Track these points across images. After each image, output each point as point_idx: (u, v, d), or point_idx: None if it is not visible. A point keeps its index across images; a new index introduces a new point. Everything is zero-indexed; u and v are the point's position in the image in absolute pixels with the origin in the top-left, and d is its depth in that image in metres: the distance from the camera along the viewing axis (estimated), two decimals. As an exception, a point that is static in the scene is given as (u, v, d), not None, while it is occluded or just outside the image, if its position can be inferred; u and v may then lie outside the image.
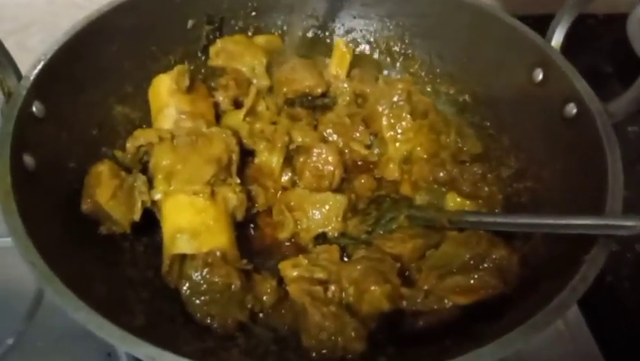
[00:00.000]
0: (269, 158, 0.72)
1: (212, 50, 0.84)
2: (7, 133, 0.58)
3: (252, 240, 0.72)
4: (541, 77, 0.72)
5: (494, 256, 0.61)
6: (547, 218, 0.57)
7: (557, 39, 0.72)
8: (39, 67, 0.65)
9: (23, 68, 0.65)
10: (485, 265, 0.61)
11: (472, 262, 0.61)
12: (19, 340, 0.73)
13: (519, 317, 0.50)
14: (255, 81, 0.81)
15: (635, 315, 0.82)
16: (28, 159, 0.60)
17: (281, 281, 0.64)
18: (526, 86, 0.73)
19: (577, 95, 0.67)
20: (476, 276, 0.60)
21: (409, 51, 0.88)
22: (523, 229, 0.59)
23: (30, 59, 0.65)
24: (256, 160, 0.73)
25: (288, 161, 0.74)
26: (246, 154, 0.75)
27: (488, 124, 0.80)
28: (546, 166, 0.70)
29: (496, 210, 0.69)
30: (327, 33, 0.91)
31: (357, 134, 0.77)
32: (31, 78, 0.63)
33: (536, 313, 0.49)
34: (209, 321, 0.61)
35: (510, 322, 0.50)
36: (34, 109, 0.63)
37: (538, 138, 0.72)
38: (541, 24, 0.75)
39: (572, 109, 0.67)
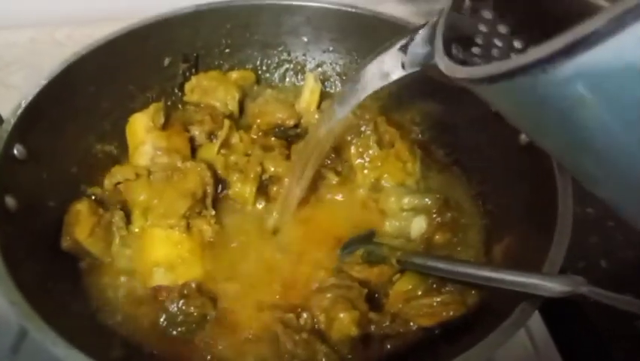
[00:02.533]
0: (242, 188, 0.75)
1: (188, 86, 0.88)
2: (-11, 176, 0.61)
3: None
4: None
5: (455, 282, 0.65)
6: (484, 270, 0.59)
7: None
8: (20, 111, 0.67)
9: (4, 105, 0.68)
10: (447, 288, 0.64)
11: (434, 285, 0.65)
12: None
13: (477, 336, 0.53)
14: (228, 115, 0.85)
15: (601, 330, 0.85)
16: (10, 200, 0.62)
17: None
18: (485, 115, 0.77)
19: (530, 124, 0.70)
20: (439, 299, 0.64)
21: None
22: (459, 277, 0.61)
23: (11, 97, 0.68)
24: (230, 191, 0.75)
25: (262, 190, 0.77)
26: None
27: (449, 151, 0.84)
28: (503, 193, 0.74)
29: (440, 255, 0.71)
30: (298, 67, 0.95)
31: (329, 162, 0.81)
32: (12, 122, 0.66)
33: (491, 333, 0.52)
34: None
35: (468, 341, 0.53)
36: (15, 152, 0.65)
37: (496, 164, 0.76)
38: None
39: (525, 137, 0.71)
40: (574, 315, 0.87)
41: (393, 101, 0.88)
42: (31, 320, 0.51)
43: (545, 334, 0.82)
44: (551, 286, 0.53)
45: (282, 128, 0.85)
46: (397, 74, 0.57)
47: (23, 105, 0.68)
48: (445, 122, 0.85)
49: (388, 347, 0.62)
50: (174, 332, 0.64)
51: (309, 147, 0.70)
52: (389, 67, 0.57)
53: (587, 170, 0.43)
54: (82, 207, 0.68)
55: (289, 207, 0.73)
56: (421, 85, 0.86)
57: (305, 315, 0.63)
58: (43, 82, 0.72)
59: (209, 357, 0.63)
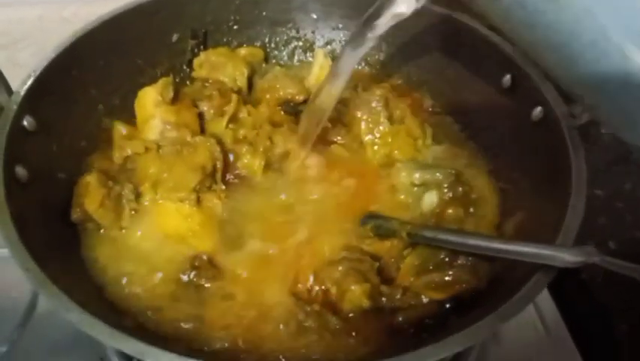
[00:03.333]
0: (251, 161, 0.75)
1: (196, 62, 0.87)
2: (0, 146, 0.61)
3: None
4: (510, 82, 0.76)
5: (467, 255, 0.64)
6: (496, 242, 0.60)
7: (525, 46, 0.76)
8: (29, 82, 0.67)
9: (13, 83, 0.67)
10: (459, 262, 0.64)
11: (447, 259, 0.64)
12: (12, 347, 0.75)
13: (488, 308, 0.53)
14: (236, 90, 0.84)
15: (609, 310, 0.85)
16: (21, 171, 0.62)
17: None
18: (496, 92, 0.77)
19: (543, 98, 0.70)
20: (451, 273, 0.63)
21: (386, 60, 0.92)
22: (471, 249, 0.61)
23: (20, 74, 0.68)
24: (238, 163, 0.75)
25: (271, 165, 0.77)
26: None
27: (463, 127, 0.83)
28: (515, 168, 0.74)
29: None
30: (307, 45, 0.94)
31: (339, 138, 0.80)
32: (22, 93, 0.66)
33: (503, 305, 0.52)
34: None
35: (480, 313, 0.53)
36: (25, 123, 0.65)
37: (508, 140, 0.76)
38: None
39: (538, 113, 0.70)
40: (583, 296, 0.87)
41: (405, 76, 0.88)
42: (44, 287, 0.51)
43: (556, 314, 0.82)
44: (564, 256, 0.53)
45: (292, 104, 0.84)
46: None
47: (33, 77, 0.68)
48: (458, 98, 0.84)
49: (400, 319, 0.62)
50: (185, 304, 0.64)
51: (319, 100, 0.71)
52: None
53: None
54: (91, 179, 0.68)
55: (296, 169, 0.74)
56: (432, 60, 0.87)
57: (316, 287, 0.63)
58: (53, 55, 0.71)
59: (220, 330, 0.62)
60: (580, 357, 0.78)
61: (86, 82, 0.77)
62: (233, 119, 0.80)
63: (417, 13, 0.81)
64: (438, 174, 0.72)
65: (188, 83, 0.89)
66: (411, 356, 0.47)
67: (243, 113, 0.81)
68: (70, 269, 0.62)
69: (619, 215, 0.92)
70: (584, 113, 0.67)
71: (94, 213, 0.66)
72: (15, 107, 0.65)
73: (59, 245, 0.64)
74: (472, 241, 0.61)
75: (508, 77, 0.76)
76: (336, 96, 0.71)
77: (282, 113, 0.83)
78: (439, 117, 0.86)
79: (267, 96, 0.84)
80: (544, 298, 0.83)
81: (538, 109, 0.71)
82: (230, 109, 0.80)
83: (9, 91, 0.66)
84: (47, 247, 0.59)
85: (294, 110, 0.83)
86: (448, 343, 0.48)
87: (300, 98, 0.84)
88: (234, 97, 0.81)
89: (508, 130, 0.76)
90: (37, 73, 0.69)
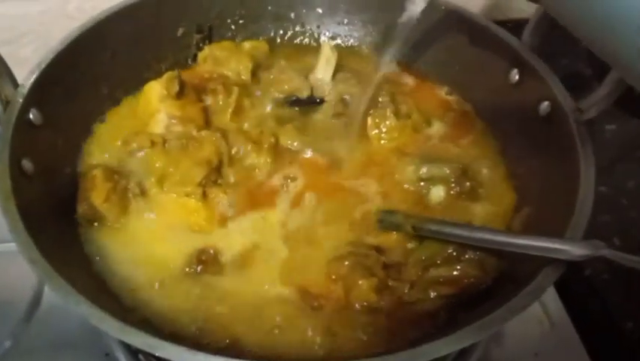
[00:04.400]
0: (257, 159, 0.75)
1: (200, 55, 0.87)
2: (6, 139, 0.60)
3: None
4: (517, 77, 0.76)
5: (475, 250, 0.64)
6: (503, 235, 0.60)
7: (532, 41, 0.76)
8: (35, 75, 0.67)
9: (17, 78, 0.66)
10: (467, 257, 0.64)
11: (454, 254, 0.64)
12: (17, 342, 0.75)
13: (496, 303, 0.53)
14: (239, 84, 0.84)
15: (613, 306, 0.85)
16: (27, 164, 0.62)
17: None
18: (504, 87, 0.77)
19: (551, 93, 0.70)
20: (459, 267, 0.63)
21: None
22: (477, 243, 0.61)
23: (23, 69, 0.67)
24: (245, 162, 0.75)
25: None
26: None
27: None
28: (523, 163, 0.73)
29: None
30: (312, 39, 0.94)
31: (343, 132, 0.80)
32: (28, 86, 0.65)
33: (511, 299, 0.52)
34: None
35: (488, 308, 0.53)
36: (31, 116, 0.65)
37: (514, 135, 0.76)
38: (519, 28, 0.78)
39: (546, 107, 0.70)
40: (588, 292, 0.87)
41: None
42: (51, 279, 0.51)
43: (561, 309, 0.82)
44: (572, 249, 0.53)
45: (297, 98, 0.84)
46: None
47: (38, 70, 0.68)
48: (465, 93, 0.85)
49: (407, 313, 0.62)
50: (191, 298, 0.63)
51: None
52: None
53: None
54: (97, 173, 0.68)
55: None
56: (439, 55, 0.87)
57: (323, 282, 0.63)
58: (59, 48, 0.71)
59: (224, 325, 0.62)
60: (585, 352, 0.78)
61: (92, 76, 0.76)
62: (237, 112, 0.80)
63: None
64: (445, 168, 0.72)
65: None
66: (424, 348, 0.47)
67: (246, 107, 0.80)
68: (75, 263, 0.62)
69: (624, 212, 0.92)
70: (591, 108, 0.67)
71: (100, 207, 0.66)
72: (21, 100, 0.64)
73: (64, 239, 0.64)
74: (477, 234, 0.61)
75: (515, 71, 0.76)
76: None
77: (288, 107, 0.82)
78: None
79: (272, 89, 0.84)
80: (549, 293, 0.83)
81: (546, 104, 0.71)
82: (232, 101, 0.79)
83: (14, 84, 0.65)
84: (52, 240, 0.58)
85: (299, 104, 0.83)
86: (460, 336, 0.48)
87: (305, 92, 0.84)
88: (235, 89, 0.81)
89: (515, 125, 0.76)
90: (43, 66, 0.68)
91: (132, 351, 0.73)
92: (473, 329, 0.49)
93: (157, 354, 0.47)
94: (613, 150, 1.01)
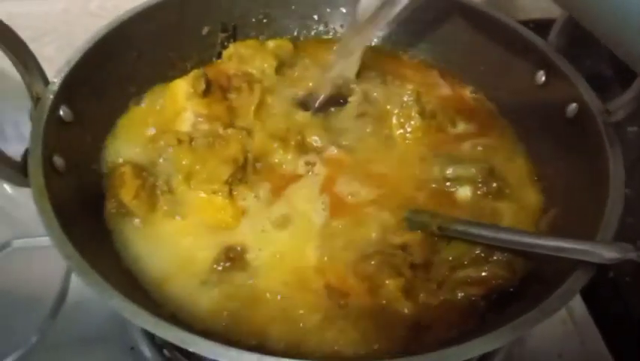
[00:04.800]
0: (284, 156, 0.75)
1: (225, 54, 0.88)
2: (39, 135, 0.61)
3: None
4: (543, 79, 0.75)
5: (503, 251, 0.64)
6: (530, 237, 0.59)
7: (559, 42, 0.76)
8: (64, 73, 0.68)
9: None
10: (495, 258, 0.64)
11: (482, 255, 0.64)
12: (43, 337, 0.76)
13: (525, 305, 0.53)
14: (263, 81, 0.84)
15: (636, 308, 0.84)
16: (58, 160, 0.63)
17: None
18: (529, 88, 0.77)
19: (578, 95, 0.70)
20: (486, 268, 0.63)
21: (416, 55, 0.92)
22: (504, 244, 0.61)
23: (46, 68, 0.67)
24: (272, 159, 0.75)
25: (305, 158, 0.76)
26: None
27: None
28: (549, 164, 0.73)
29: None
30: (336, 38, 0.94)
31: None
32: (58, 83, 0.66)
33: (543, 301, 0.52)
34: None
35: (517, 310, 0.53)
36: (61, 113, 0.66)
37: (541, 137, 0.75)
38: (545, 28, 0.78)
39: (573, 109, 0.70)
40: (612, 295, 0.87)
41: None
42: (86, 274, 0.51)
43: (584, 310, 0.82)
44: (600, 252, 0.52)
45: (322, 96, 0.83)
46: None
47: (68, 67, 0.68)
48: (491, 94, 0.85)
49: (434, 314, 0.62)
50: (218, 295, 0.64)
51: None
52: None
53: None
54: (127, 170, 0.68)
55: None
56: (463, 56, 0.86)
57: (350, 281, 0.63)
58: (87, 46, 0.72)
59: (252, 322, 0.62)
60: (608, 353, 0.78)
61: (118, 74, 0.77)
62: (261, 109, 0.80)
63: (448, 7, 0.82)
64: (472, 168, 0.72)
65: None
66: (456, 349, 0.47)
67: (270, 105, 0.81)
68: (106, 259, 0.62)
69: (646, 214, 0.91)
70: (619, 110, 0.67)
71: (129, 203, 0.66)
72: (51, 97, 0.65)
73: (95, 235, 0.64)
74: (504, 235, 0.61)
75: (541, 72, 0.75)
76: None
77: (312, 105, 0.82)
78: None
79: (296, 88, 0.84)
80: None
81: (573, 105, 0.70)
82: (254, 99, 0.80)
83: (45, 81, 0.66)
84: (84, 236, 0.59)
85: (323, 103, 0.83)
86: (493, 337, 0.48)
87: (329, 90, 0.83)
88: (257, 86, 0.81)
89: (541, 126, 0.76)
90: (73, 64, 0.69)
91: (157, 345, 0.73)
92: (506, 330, 0.49)
93: (190, 350, 0.48)
94: (635, 151, 1.01)
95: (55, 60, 0.69)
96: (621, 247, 0.52)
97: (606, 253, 0.52)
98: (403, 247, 0.66)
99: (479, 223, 0.66)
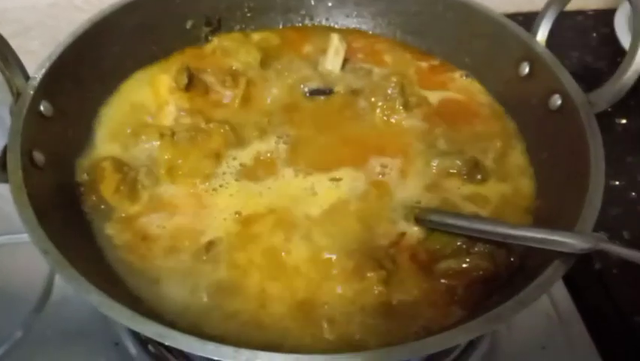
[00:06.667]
0: (266, 149, 0.75)
1: (209, 46, 0.88)
2: (17, 130, 0.61)
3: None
4: (527, 70, 0.75)
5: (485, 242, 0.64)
6: (504, 227, 0.59)
7: (542, 33, 0.75)
8: (45, 67, 0.67)
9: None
10: (477, 250, 0.64)
11: (464, 246, 0.64)
12: (28, 332, 0.76)
13: (506, 295, 0.53)
14: (247, 74, 0.84)
15: (622, 300, 0.85)
16: (38, 155, 0.62)
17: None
18: (514, 79, 0.77)
19: (561, 86, 0.70)
20: (468, 260, 0.63)
21: (401, 47, 0.91)
22: (480, 234, 0.61)
23: (31, 62, 0.67)
24: (251, 150, 0.74)
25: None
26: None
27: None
28: (534, 156, 0.73)
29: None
30: (321, 31, 0.94)
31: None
32: (39, 78, 0.66)
33: (520, 291, 0.52)
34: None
35: (497, 300, 0.53)
36: (41, 108, 0.65)
37: (524, 129, 0.75)
38: (530, 21, 0.78)
39: (556, 100, 0.70)
40: (597, 286, 0.87)
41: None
42: (63, 268, 0.51)
43: (569, 303, 0.82)
44: (572, 242, 0.52)
45: (306, 88, 0.84)
46: None
47: (49, 62, 0.68)
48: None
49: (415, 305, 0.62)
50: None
51: None
52: None
53: None
54: (107, 165, 0.68)
55: None
56: (448, 48, 0.86)
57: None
58: (69, 40, 0.71)
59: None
60: (593, 346, 0.78)
61: (101, 68, 0.77)
62: (246, 102, 0.80)
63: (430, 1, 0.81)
64: (457, 160, 0.72)
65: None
66: (433, 339, 0.47)
67: (254, 98, 0.81)
68: (86, 254, 0.62)
69: (633, 205, 0.92)
70: (601, 101, 0.67)
71: (109, 198, 0.66)
72: (32, 92, 0.65)
73: (75, 230, 0.64)
74: (479, 226, 0.61)
75: (525, 64, 0.75)
76: None
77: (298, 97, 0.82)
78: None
79: (280, 81, 0.84)
80: (558, 287, 0.83)
81: (556, 96, 0.70)
82: (239, 92, 0.80)
83: (25, 76, 0.66)
84: (64, 231, 0.59)
85: (307, 95, 0.83)
86: (469, 327, 0.48)
87: (314, 82, 0.83)
88: (242, 79, 0.81)
89: (525, 118, 0.76)
90: (54, 58, 0.69)
91: (142, 341, 0.73)
92: (482, 320, 0.49)
93: (166, 343, 0.48)
94: (624, 143, 1.01)
95: (41, 54, 0.69)
96: (594, 238, 0.53)
97: (579, 243, 0.52)
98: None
99: (454, 213, 0.66)
